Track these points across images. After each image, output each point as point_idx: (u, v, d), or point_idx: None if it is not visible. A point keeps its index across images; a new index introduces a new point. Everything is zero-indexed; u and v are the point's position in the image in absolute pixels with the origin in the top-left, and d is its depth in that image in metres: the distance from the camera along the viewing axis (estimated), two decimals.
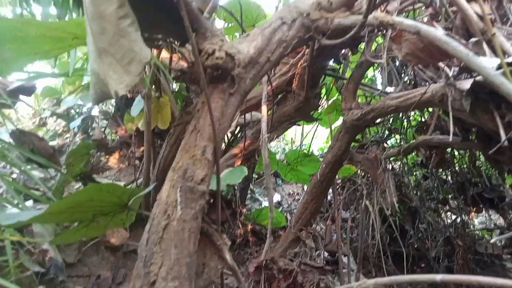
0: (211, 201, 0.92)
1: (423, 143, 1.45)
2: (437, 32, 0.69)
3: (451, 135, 0.98)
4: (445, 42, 0.66)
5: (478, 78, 0.93)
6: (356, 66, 1.51)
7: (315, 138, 2.57)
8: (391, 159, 2.66)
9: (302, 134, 2.40)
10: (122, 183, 1.93)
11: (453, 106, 1.07)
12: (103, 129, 2.13)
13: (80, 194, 0.70)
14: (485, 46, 1.09)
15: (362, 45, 1.50)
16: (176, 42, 0.79)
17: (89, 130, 2.10)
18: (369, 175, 1.82)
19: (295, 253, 1.78)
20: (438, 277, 0.61)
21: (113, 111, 2.22)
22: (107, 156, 2.13)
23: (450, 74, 1.09)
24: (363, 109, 1.38)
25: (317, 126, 2.45)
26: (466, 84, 0.99)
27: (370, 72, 2.35)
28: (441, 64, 1.13)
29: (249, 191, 2.44)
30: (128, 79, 0.60)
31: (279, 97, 1.79)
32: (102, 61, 0.61)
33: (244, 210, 2.48)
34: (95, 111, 2.21)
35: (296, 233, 1.78)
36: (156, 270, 0.64)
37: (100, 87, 0.65)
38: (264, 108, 1.50)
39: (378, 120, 2.08)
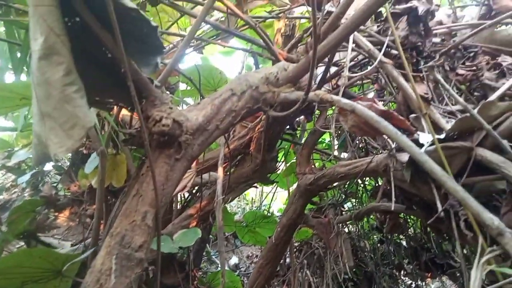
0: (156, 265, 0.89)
1: (371, 209, 1.49)
2: (369, 112, 0.75)
3: (393, 204, 1.02)
4: (376, 121, 0.72)
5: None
6: (310, 133, 1.58)
7: (274, 199, 2.58)
8: (348, 222, 2.70)
9: (261, 195, 2.41)
10: (69, 243, 1.83)
11: (395, 176, 1.12)
12: (55, 185, 2.05)
13: (8, 259, 0.67)
14: (423, 122, 1.19)
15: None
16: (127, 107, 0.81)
17: (40, 185, 2.01)
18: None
19: None
20: None
21: (67, 166, 2.16)
22: (56, 214, 2.04)
23: (393, 145, 1.16)
24: (315, 175, 1.42)
25: (276, 187, 2.47)
26: (405, 156, 1.06)
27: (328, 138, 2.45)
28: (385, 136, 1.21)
29: (205, 253, 2.37)
30: (69, 143, 0.60)
31: (238, 158, 1.82)
32: (44, 125, 0.61)
33: (200, 273, 2.39)
34: (48, 166, 2.14)
35: None
36: None
37: (41, 149, 0.65)
38: (220, 170, 1.52)
39: (335, 184, 2.14)
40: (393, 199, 1.01)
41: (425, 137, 1.05)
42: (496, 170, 0.92)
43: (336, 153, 2.18)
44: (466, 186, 1.00)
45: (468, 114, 1.00)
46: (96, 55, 0.70)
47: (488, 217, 0.58)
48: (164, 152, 0.75)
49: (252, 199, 2.80)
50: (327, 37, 0.87)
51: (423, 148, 0.99)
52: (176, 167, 0.75)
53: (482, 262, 0.56)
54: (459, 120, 0.99)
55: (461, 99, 1.04)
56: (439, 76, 1.17)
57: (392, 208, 1.00)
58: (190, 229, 1.65)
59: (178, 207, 2.01)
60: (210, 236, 2.63)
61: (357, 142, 1.86)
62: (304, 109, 1.35)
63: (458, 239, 0.98)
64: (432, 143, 0.96)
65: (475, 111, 1.00)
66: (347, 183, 2.36)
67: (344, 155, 2.08)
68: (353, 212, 1.57)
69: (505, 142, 0.93)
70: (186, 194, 2.02)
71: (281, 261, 2.77)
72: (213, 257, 2.55)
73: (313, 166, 1.60)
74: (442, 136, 1.01)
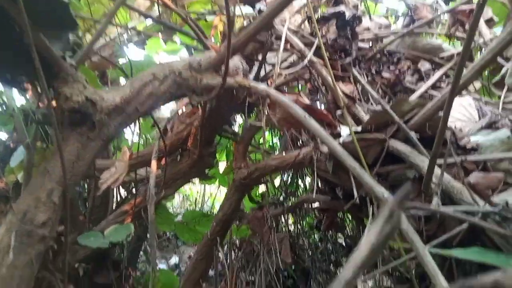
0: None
1: (302, 201, 1.54)
2: (282, 96, 0.78)
3: (314, 192, 1.06)
4: (287, 105, 0.75)
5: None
6: (245, 129, 1.60)
7: (217, 200, 2.58)
8: (290, 223, 2.75)
9: (203, 194, 2.40)
10: None
11: (320, 167, 1.17)
12: None
13: None
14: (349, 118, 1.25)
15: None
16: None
17: None
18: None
19: None
20: None
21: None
22: None
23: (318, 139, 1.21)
24: (249, 168, 1.45)
25: (219, 186, 2.47)
26: (326, 147, 1.11)
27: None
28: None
29: (143, 253, 2.31)
30: None
31: (176, 154, 1.80)
32: None
33: (138, 273, 2.33)
34: None
35: None
36: None
37: None
38: (153, 164, 1.50)
39: (276, 184, 2.18)
40: (315, 188, 1.06)
41: (346, 130, 1.10)
42: (405, 159, 0.99)
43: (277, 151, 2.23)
44: (381, 174, 1.07)
45: (382, 109, 1.07)
46: (5, 31, 0.67)
47: (379, 190, 0.62)
48: (76, 130, 0.73)
49: (196, 199, 2.77)
50: None
51: (341, 138, 1.04)
52: (89, 146, 0.74)
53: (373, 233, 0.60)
54: (374, 113, 1.06)
55: (375, 94, 1.11)
56: (359, 76, 1.24)
57: (314, 197, 1.04)
58: (122, 224, 1.60)
59: (114, 203, 1.95)
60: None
61: (296, 140, 1.92)
62: (241, 104, 1.38)
63: (371, 223, 1.03)
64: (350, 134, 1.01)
65: (389, 106, 1.07)
66: (288, 182, 2.41)
67: None
68: (286, 205, 1.61)
69: (413, 134, 1.00)
70: (121, 190, 1.97)
71: (220, 259, 2.77)
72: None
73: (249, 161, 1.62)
74: (359, 128, 1.07)
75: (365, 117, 1.26)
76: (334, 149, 0.67)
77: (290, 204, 1.88)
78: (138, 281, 2.17)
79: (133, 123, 1.08)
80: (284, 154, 1.34)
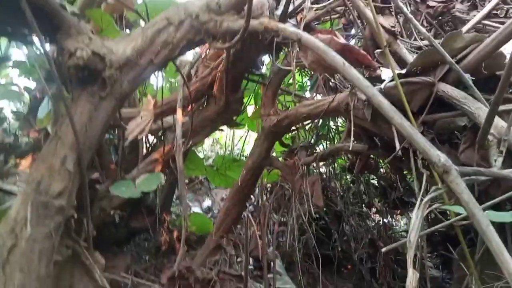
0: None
1: (335, 150, 1.45)
2: (316, 41, 0.66)
3: (351, 143, 0.97)
4: (323, 51, 0.63)
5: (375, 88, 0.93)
6: (273, 73, 1.48)
7: (247, 143, 2.53)
8: (321, 164, 2.69)
9: (233, 139, 2.35)
10: None
11: (357, 115, 1.06)
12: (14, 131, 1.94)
13: None
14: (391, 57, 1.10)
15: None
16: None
17: None
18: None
19: (215, 261, 1.72)
20: None
21: (27, 112, 2.04)
22: (18, 160, 1.95)
23: None
24: (279, 116, 1.35)
25: (249, 131, 2.41)
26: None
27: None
28: None
29: (176, 198, 2.35)
30: None
31: (202, 100, 1.73)
32: None
33: (173, 216, 2.39)
34: (7, 112, 2.01)
35: (217, 240, 1.72)
36: None
37: None
38: (179, 112, 1.43)
39: (308, 126, 2.09)
40: (352, 138, 0.96)
41: (388, 73, 0.97)
42: (457, 106, 0.87)
43: (308, 94, 2.11)
44: (427, 123, 0.95)
45: (430, 47, 0.92)
46: None
47: (435, 154, 0.52)
48: (86, 90, 0.65)
49: (225, 143, 2.74)
50: None
51: (383, 84, 0.92)
52: (102, 106, 0.66)
53: (424, 201, 0.52)
54: (422, 53, 0.92)
55: (422, 29, 0.95)
56: (403, 6, 1.07)
57: (350, 148, 0.95)
58: (152, 174, 1.59)
59: (144, 151, 1.94)
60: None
61: (328, 81, 1.78)
62: (268, 45, 1.25)
63: (416, 178, 0.94)
64: (393, 79, 0.89)
65: (439, 43, 0.92)
66: (319, 125, 2.31)
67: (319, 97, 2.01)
68: (318, 153, 1.53)
69: (467, 77, 0.86)
70: (151, 138, 1.95)
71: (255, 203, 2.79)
72: (187, 200, 2.55)
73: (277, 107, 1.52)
74: (404, 71, 0.93)
75: (409, 56, 1.11)
76: (380, 105, 0.57)
77: (322, 149, 1.80)
78: (174, 224, 2.22)
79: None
80: (316, 99, 1.23)
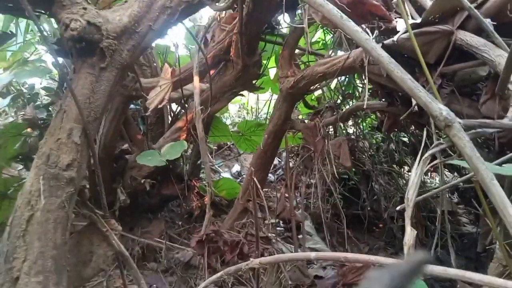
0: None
1: (355, 109, 1.40)
2: None
3: (365, 100, 0.93)
4: (320, 4, 0.59)
5: (387, 41, 0.87)
6: (290, 32, 1.43)
7: (272, 107, 2.51)
8: (350, 124, 2.63)
9: (257, 103, 2.33)
10: None
11: (372, 71, 1.01)
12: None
13: None
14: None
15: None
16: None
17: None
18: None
19: (242, 224, 1.76)
20: (312, 255, 0.58)
21: (56, 87, 2.11)
22: None
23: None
24: (295, 77, 1.32)
25: (272, 95, 2.39)
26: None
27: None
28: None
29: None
30: None
31: (220, 66, 1.71)
32: None
33: (203, 182, 2.44)
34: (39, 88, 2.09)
35: (244, 204, 1.75)
36: (19, 265, 0.59)
37: None
38: (196, 79, 1.43)
39: (327, 85, 2.03)
40: (366, 95, 0.92)
41: (400, 24, 0.91)
42: (477, 54, 0.80)
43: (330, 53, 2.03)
44: (446, 75, 0.89)
45: None
46: None
47: (436, 107, 0.48)
48: (86, 62, 0.66)
49: (251, 107, 2.73)
50: None
51: (396, 36, 0.86)
52: (103, 77, 0.67)
53: (424, 157, 0.49)
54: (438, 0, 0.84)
55: None
56: None
57: (364, 106, 0.91)
58: (176, 142, 1.62)
59: (169, 120, 1.97)
60: (211, 145, 2.64)
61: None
62: (280, 2, 1.20)
63: (434, 133, 0.90)
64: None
65: None
66: (345, 84, 2.24)
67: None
68: (338, 113, 1.49)
69: (488, 22, 0.78)
70: (174, 107, 1.97)
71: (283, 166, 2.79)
72: (216, 166, 2.59)
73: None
74: (419, 20, 0.87)
75: (427, 2, 1.03)
76: (379, 58, 0.53)
77: (344, 110, 1.75)
78: (203, 188, 2.27)
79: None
80: (332, 57, 1.18)
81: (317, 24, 1.52)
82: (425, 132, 0.61)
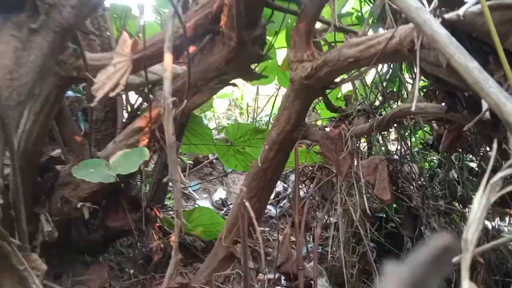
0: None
1: (400, 114, 1.43)
2: None
3: (414, 102, 0.95)
4: None
5: (450, 15, 0.90)
6: None
7: (278, 104, 2.55)
8: (392, 139, 2.66)
9: (256, 100, 2.37)
10: None
11: (426, 58, 1.04)
12: None
13: None
14: None
15: None
16: None
17: None
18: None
19: (225, 278, 1.77)
20: None
21: None
22: None
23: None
24: (314, 62, 1.35)
25: (279, 88, 2.43)
26: None
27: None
28: None
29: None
30: None
31: (206, 41, 1.74)
32: None
33: (169, 212, 2.46)
34: None
35: (229, 247, 1.76)
36: None
37: None
38: (167, 57, 1.44)
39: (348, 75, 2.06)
40: (416, 93, 0.94)
41: None
42: None
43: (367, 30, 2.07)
44: None
45: None
46: None
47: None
48: (10, 20, 0.68)
49: (247, 105, 2.76)
50: None
51: (462, 8, 0.89)
52: (33, 43, 0.69)
53: (492, 182, 0.51)
54: None
55: None
56: None
57: (413, 109, 0.93)
58: (133, 149, 1.64)
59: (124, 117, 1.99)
60: (184, 158, 2.65)
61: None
62: None
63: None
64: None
65: None
66: (388, 77, 2.28)
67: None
68: (374, 120, 1.51)
69: None
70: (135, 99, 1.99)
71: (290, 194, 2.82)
72: (190, 189, 2.61)
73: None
74: None
75: None
76: (434, 36, 0.55)
77: (383, 116, 1.77)
78: (170, 222, 2.28)
79: None
80: (369, 35, 1.21)
81: None
82: (495, 147, 0.63)
